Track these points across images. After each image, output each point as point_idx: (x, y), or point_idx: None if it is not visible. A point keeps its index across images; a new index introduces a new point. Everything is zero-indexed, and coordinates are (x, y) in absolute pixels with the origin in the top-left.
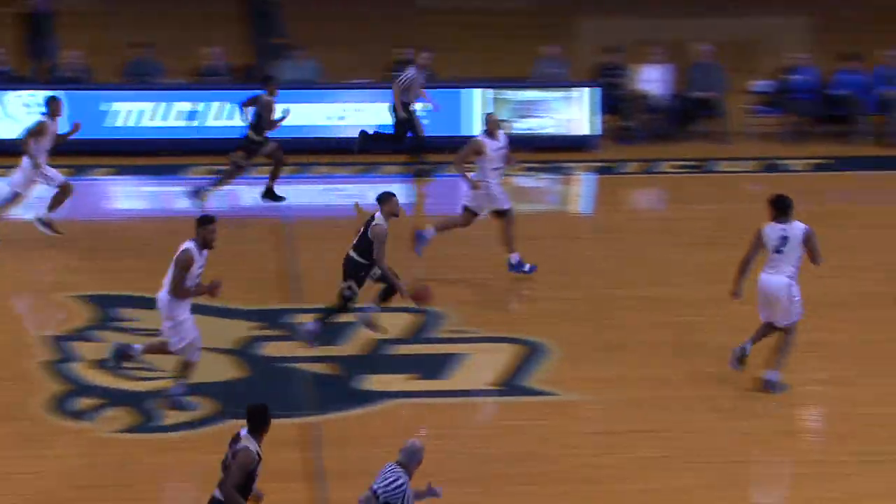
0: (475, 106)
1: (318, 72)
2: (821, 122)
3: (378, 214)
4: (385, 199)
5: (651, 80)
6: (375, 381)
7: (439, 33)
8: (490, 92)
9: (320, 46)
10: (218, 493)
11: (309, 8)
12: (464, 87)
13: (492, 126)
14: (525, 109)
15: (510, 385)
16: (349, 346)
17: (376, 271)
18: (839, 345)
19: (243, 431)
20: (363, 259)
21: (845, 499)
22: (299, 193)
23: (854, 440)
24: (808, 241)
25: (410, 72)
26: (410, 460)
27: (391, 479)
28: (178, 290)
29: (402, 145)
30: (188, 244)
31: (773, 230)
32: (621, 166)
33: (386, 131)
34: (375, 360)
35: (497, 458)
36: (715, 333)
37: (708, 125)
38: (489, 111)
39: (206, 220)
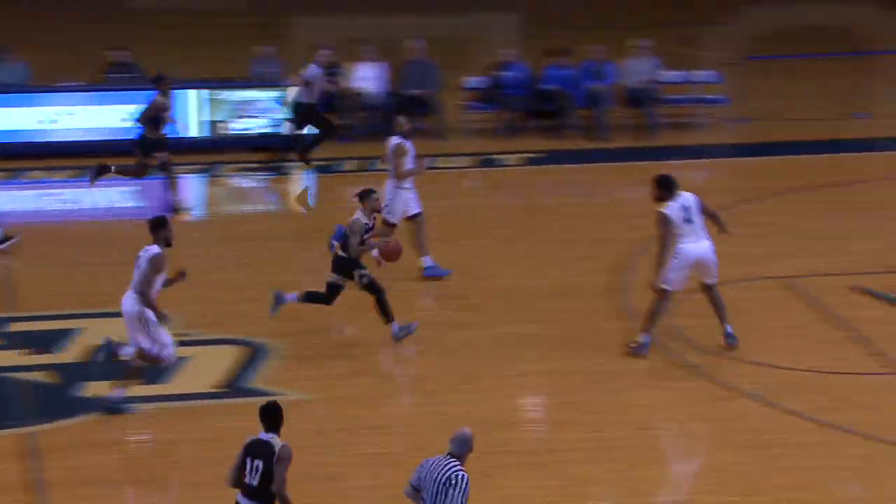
0: (190, 107)
1: (27, 74)
2: (533, 116)
3: (359, 210)
4: (366, 195)
5: (366, 78)
6: (94, 388)
7: (153, 34)
8: (206, 93)
9: (29, 48)
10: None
11: (15, 8)
12: (179, 88)
13: (407, 129)
14: (241, 110)
15: (233, 387)
16: (67, 354)
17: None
18: (553, 336)
19: (263, 435)
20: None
21: (565, 485)
22: (11, 199)
23: (573, 427)
24: (703, 206)
25: (312, 69)
26: (462, 450)
27: (460, 475)
28: (148, 293)
29: (332, 134)
30: (156, 248)
31: (673, 208)
32: (339, 164)
33: (307, 134)
34: (94, 366)
35: (220, 461)
36: (431, 329)
37: (424, 122)
38: (399, 116)
39: (163, 221)
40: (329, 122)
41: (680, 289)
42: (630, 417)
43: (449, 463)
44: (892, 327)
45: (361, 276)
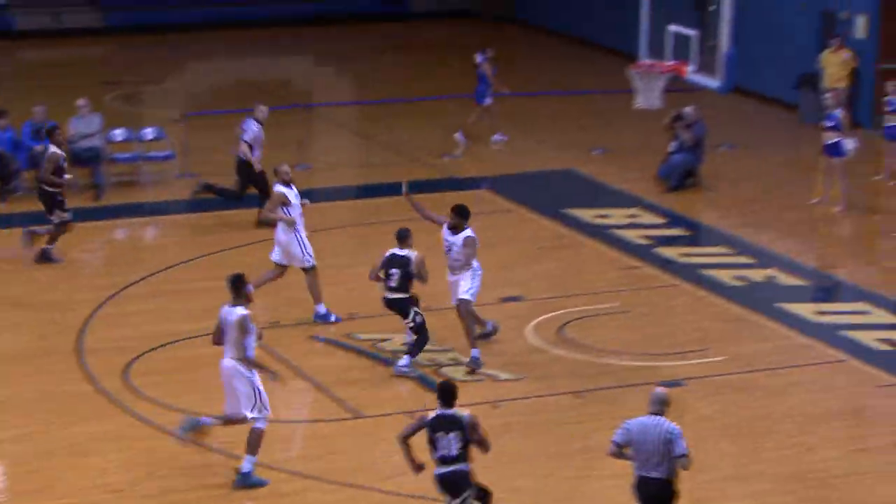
0: None
1: None
2: None
3: (406, 250)
4: (406, 235)
5: None
6: None
7: None
8: None
9: None
10: (463, 466)
11: None
12: None
13: (288, 176)
14: None
15: None
16: None
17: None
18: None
19: (446, 411)
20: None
21: None
22: None
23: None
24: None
25: (253, 126)
26: (663, 406)
27: (675, 427)
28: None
29: (239, 200)
30: (243, 309)
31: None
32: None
33: (228, 187)
34: None
35: None
36: None
37: None
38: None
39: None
40: (249, 186)
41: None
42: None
43: (659, 420)
44: (372, 372)
45: (413, 318)
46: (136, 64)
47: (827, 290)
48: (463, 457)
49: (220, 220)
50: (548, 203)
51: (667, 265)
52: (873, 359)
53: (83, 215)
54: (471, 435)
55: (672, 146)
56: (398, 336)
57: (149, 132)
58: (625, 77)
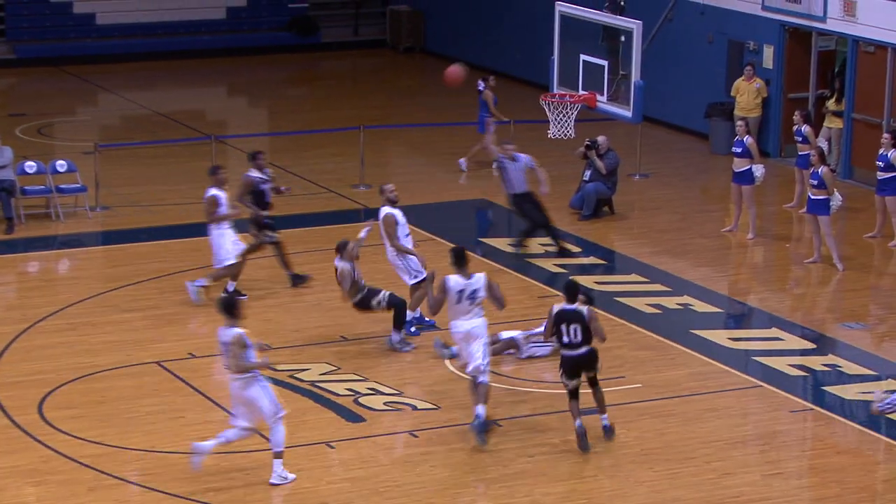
0: None
1: None
2: None
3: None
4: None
5: None
6: None
7: None
8: None
9: None
10: (584, 350)
11: None
12: None
13: (394, 195)
14: None
15: None
16: None
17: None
18: None
19: (568, 305)
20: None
21: None
22: None
23: None
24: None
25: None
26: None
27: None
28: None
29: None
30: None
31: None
32: None
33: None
34: None
35: None
36: None
37: None
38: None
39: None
40: None
41: None
42: None
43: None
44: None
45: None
46: (46, 96)
47: (740, 317)
48: (587, 341)
49: (131, 252)
50: (464, 232)
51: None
52: (786, 384)
53: None
54: (591, 325)
55: (586, 175)
56: (315, 366)
57: (61, 164)
58: (537, 106)
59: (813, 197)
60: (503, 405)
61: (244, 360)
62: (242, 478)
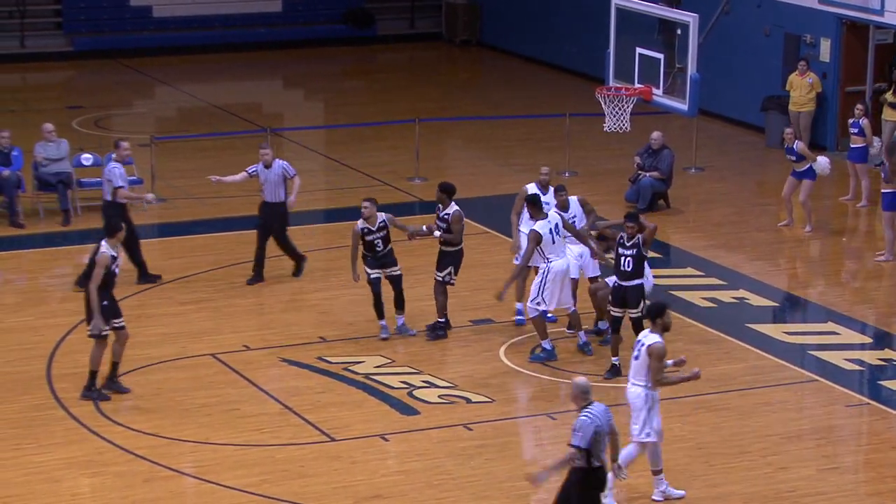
0: None
1: None
2: None
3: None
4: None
5: None
6: None
7: None
8: None
9: None
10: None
11: None
12: None
13: (546, 178)
14: None
15: None
16: None
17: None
18: None
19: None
20: None
21: None
22: None
23: None
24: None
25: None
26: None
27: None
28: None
29: None
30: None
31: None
32: None
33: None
34: None
35: None
36: None
37: None
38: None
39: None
40: None
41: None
42: None
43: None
44: (344, 395)
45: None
46: (103, 89)
47: (796, 311)
48: (638, 273)
49: (186, 244)
50: None
51: None
52: (842, 379)
53: (51, 240)
54: (645, 251)
55: (639, 173)
56: (370, 359)
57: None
58: (592, 100)
59: (884, 191)
60: (558, 399)
61: (660, 375)
62: (297, 470)
